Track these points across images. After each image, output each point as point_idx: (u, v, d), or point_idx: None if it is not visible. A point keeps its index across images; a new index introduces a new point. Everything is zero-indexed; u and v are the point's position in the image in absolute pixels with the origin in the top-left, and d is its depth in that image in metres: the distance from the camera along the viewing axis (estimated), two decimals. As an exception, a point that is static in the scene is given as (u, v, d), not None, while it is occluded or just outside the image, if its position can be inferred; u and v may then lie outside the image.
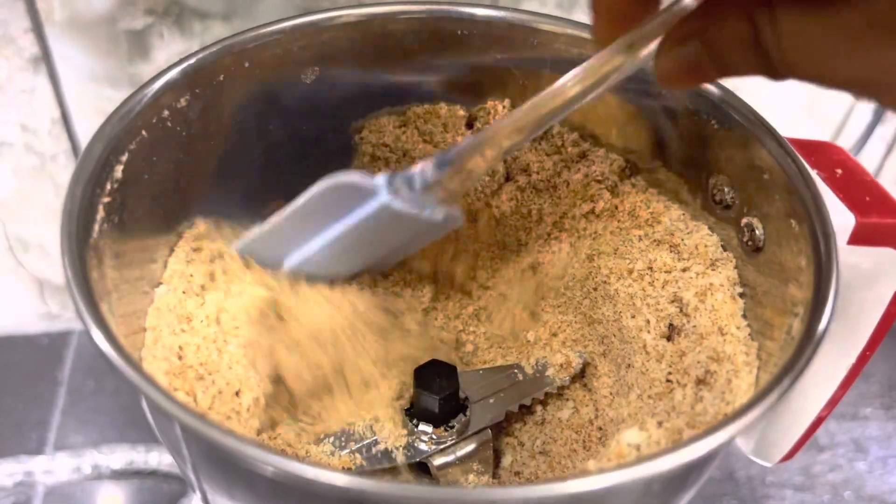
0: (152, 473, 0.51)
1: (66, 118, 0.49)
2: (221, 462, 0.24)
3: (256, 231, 0.34)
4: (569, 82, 0.28)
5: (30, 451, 0.51)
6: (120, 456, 0.51)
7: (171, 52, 0.47)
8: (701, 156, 0.34)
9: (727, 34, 0.23)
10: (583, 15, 0.50)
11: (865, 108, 0.58)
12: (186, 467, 0.27)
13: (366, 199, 0.32)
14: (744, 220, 0.32)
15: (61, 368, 0.56)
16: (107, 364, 0.22)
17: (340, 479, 0.20)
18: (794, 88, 0.58)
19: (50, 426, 0.53)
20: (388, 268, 0.40)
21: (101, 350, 0.23)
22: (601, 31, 0.27)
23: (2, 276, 0.56)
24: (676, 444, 0.21)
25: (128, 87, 0.48)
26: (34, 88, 0.47)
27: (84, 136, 0.50)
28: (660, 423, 0.27)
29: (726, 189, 0.33)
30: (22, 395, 0.54)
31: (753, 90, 0.56)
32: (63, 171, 0.51)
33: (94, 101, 0.48)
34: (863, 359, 0.29)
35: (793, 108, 0.57)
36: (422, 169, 0.31)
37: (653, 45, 0.26)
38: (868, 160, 0.61)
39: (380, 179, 0.31)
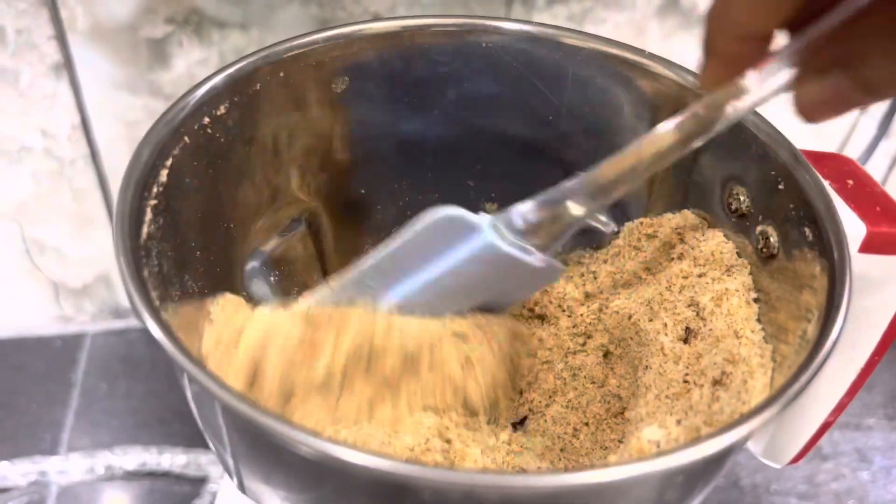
0: (164, 475, 0.51)
1: (85, 124, 0.50)
2: (261, 445, 0.25)
3: (355, 272, 0.34)
4: (671, 129, 0.27)
5: (44, 451, 0.52)
6: (133, 457, 0.51)
7: (189, 60, 0.48)
8: (717, 166, 0.35)
9: (875, 55, 0.22)
10: (591, 25, 0.51)
11: (870, 122, 0.59)
12: (226, 452, 0.28)
13: (469, 236, 0.31)
14: (759, 228, 0.33)
15: (75, 370, 0.57)
16: (160, 349, 0.23)
17: (379, 462, 0.21)
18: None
19: (64, 427, 0.53)
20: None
21: (150, 333, 0.23)
22: (712, 75, 0.26)
23: (17, 279, 0.56)
24: (695, 440, 0.22)
25: (147, 94, 0.49)
26: (55, 94, 0.48)
27: (103, 141, 0.51)
28: (678, 422, 0.28)
29: (742, 198, 0.34)
30: (36, 396, 0.55)
31: (760, 105, 0.57)
32: (81, 175, 0.52)
33: (114, 108, 0.49)
34: (870, 365, 0.30)
35: (798, 122, 0.58)
36: (523, 209, 0.31)
37: (766, 88, 0.25)
38: (873, 173, 0.62)
39: (484, 217, 0.31)
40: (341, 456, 0.21)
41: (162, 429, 0.54)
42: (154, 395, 0.56)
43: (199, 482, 0.51)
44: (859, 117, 0.59)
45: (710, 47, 0.25)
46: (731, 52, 0.25)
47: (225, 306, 0.32)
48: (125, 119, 0.50)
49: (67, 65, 0.47)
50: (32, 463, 0.51)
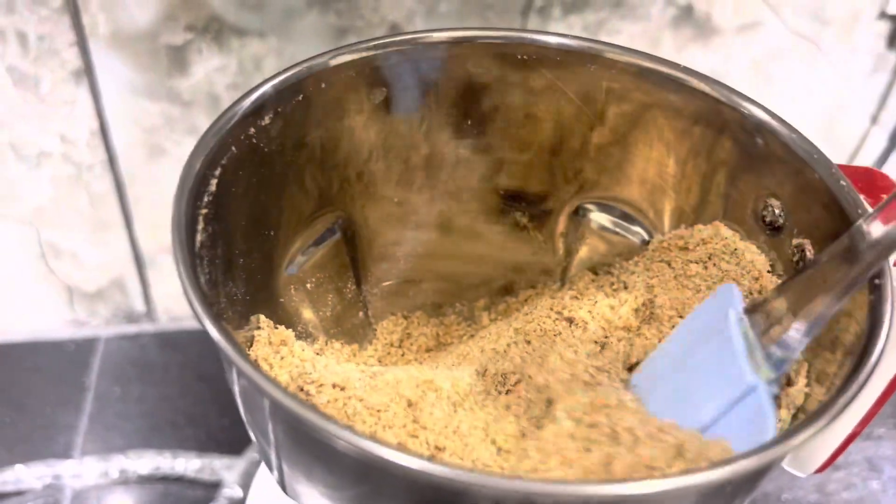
0: (178, 479, 0.52)
1: (104, 129, 0.50)
2: (305, 441, 0.26)
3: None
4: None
5: (58, 454, 0.52)
6: (147, 461, 0.51)
7: (208, 68, 0.49)
8: (752, 179, 0.35)
9: None
10: (607, 36, 0.51)
11: (881, 135, 0.59)
12: (269, 449, 0.28)
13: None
14: (794, 241, 0.33)
15: (88, 374, 0.57)
16: (217, 349, 0.24)
17: (419, 463, 0.21)
18: (809, 113, 0.60)
19: (78, 431, 0.54)
20: None
21: (211, 337, 0.24)
22: None
23: (33, 283, 0.57)
24: (728, 460, 0.22)
25: (165, 100, 0.49)
26: (75, 100, 0.49)
27: (121, 147, 0.51)
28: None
29: (777, 211, 0.34)
30: (50, 399, 0.55)
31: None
32: (98, 180, 0.52)
33: (132, 114, 0.50)
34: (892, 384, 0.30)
35: (810, 131, 0.59)
36: (794, 337, 0.28)
37: None
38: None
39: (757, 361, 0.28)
40: (385, 456, 0.21)
41: (175, 433, 0.54)
42: (167, 399, 0.56)
43: (213, 487, 0.51)
44: (870, 128, 0.59)
45: None
46: None
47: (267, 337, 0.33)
48: (143, 125, 0.50)
49: (88, 71, 0.48)
50: (47, 466, 0.51)
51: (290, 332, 0.34)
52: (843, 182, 0.31)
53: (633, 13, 0.51)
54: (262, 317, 0.34)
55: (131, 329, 0.60)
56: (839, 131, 0.59)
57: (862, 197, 0.30)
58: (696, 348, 0.31)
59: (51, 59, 0.47)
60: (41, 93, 0.48)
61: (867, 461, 0.55)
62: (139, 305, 0.60)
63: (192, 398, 0.56)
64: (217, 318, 0.24)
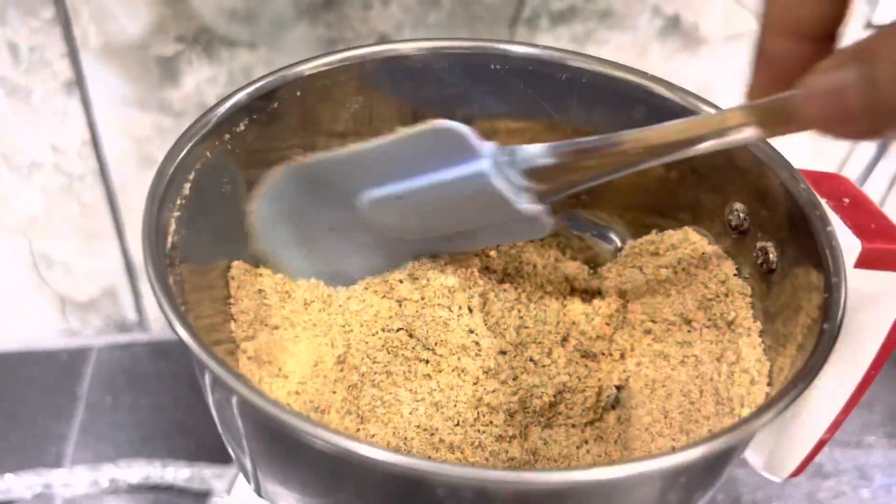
0: (168, 488, 0.52)
1: (95, 140, 0.51)
2: (277, 441, 0.26)
3: (341, 152, 0.33)
4: (699, 123, 0.27)
5: (48, 464, 0.52)
6: (137, 470, 0.52)
7: (199, 78, 0.49)
8: (718, 184, 0.36)
9: None
10: (595, 46, 0.52)
11: (868, 144, 0.60)
12: (244, 455, 0.29)
13: (465, 158, 0.30)
14: (758, 244, 0.34)
15: (80, 384, 0.57)
16: (181, 347, 0.24)
17: (395, 458, 0.21)
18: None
19: (68, 440, 0.54)
20: (450, 250, 0.38)
21: (178, 335, 0.24)
22: (760, 81, 0.25)
23: (25, 293, 0.57)
24: (695, 443, 0.22)
25: (156, 110, 0.50)
26: (66, 111, 0.49)
27: (112, 157, 0.51)
28: (687, 433, 0.28)
29: (741, 215, 0.34)
30: (41, 408, 0.56)
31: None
32: (89, 190, 0.53)
33: (123, 124, 0.50)
34: (866, 380, 0.31)
35: (797, 142, 0.59)
36: (534, 151, 0.29)
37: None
38: (871, 193, 0.63)
39: (487, 144, 0.29)
40: (355, 449, 0.21)
41: (166, 442, 0.54)
42: (159, 408, 0.56)
43: (203, 496, 0.51)
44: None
45: (759, 48, 0.24)
46: (782, 52, 0.23)
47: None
48: (134, 135, 0.51)
49: (79, 82, 0.48)
50: (37, 475, 0.51)
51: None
52: (802, 185, 0.32)
53: (621, 24, 0.51)
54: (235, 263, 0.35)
55: (123, 339, 0.60)
56: (827, 141, 0.60)
57: (824, 200, 0.31)
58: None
59: (42, 70, 0.47)
60: (33, 103, 0.48)
61: (857, 469, 0.55)
62: (131, 315, 0.60)
63: (184, 408, 0.56)
64: (182, 317, 0.25)
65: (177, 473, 0.52)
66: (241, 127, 0.33)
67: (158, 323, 0.61)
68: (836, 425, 0.32)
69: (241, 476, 0.50)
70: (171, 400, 0.57)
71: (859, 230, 0.30)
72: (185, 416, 0.56)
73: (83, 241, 0.55)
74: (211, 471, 0.52)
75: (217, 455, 0.53)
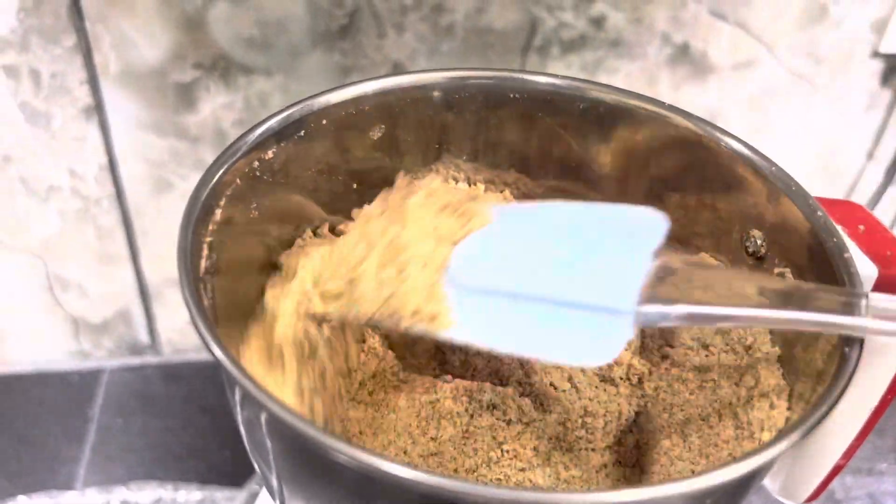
0: (179, 511, 0.52)
1: (112, 164, 0.51)
2: (305, 460, 0.26)
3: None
4: (832, 321, 0.27)
5: (60, 486, 0.53)
6: (148, 493, 0.52)
7: (215, 104, 0.50)
8: (734, 211, 0.36)
9: None
10: (605, 74, 0.53)
11: (878, 169, 0.60)
12: (271, 474, 0.29)
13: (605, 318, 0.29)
14: (776, 270, 0.34)
15: (92, 406, 0.58)
16: (214, 359, 0.25)
17: (422, 477, 0.21)
18: (807, 148, 0.61)
19: (80, 462, 0.54)
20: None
21: (213, 353, 0.25)
22: None
23: (39, 314, 0.57)
24: (717, 466, 0.23)
25: (173, 136, 0.51)
26: (85, 136, 0.50)
27: (128, 181, 0.52)
28: (707, 457, 0.29)
29: (759, 241, 0.35)
30: (53, 430, 0.56)
31: (769, 151, 0.58)
32: (106, 214, 0.53)
33: (140, 149, 0.51)
34: (882, 405, 0.31)
35: (807, 167, 0.60)
36: (667, 311, 0.28)
37: None
38: (880, 219, 0.63)
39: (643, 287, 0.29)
40: (384, 468, 0.22)
41: (177, 465, 0.54)
42: (170, 431, 0.56)
43: (214, 519, 0.51)
44: (867, 164, 0.60)
45: None
46: None
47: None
48: (150, 160, 0.51)
49: (98, 108, 0.49)
50: (49, 497, 0.51)
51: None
52: (819, 213, 0.32)
53: (630, 52, 0.52)
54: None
55: (135, 361, 0.61)
56: (836, 167, 0.60)
57: (840, 227, 0.31)
58: (597, 230, 0.32)
59: (62, 96, 0.48)
60: (52, 129, 0.49)
61: (869, 496, 0.55)
62: (143, 337, 0.60)
63: (195, 430, 0.56)
64: (219, 340, 0.25)
65: (188, 496, 0.52)
66: (270, 154, 0.33)
67: (170, 346, 0.61)
68: (852, 450, 0.32)
69: (256, 500, 0.50)
70: (182, 423, 0.57)
71: (875, 257, 0.30)
72: (197, 439, 0.56)
73: (98, 264, 0.56)
74: (222, 493, 0.52)
75: (228, 478, 0.53)
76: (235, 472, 0.53)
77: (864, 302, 0.27)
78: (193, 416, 0.57)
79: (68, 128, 0.49)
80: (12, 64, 0.47)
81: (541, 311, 0.30)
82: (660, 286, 0.29)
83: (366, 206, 0.37)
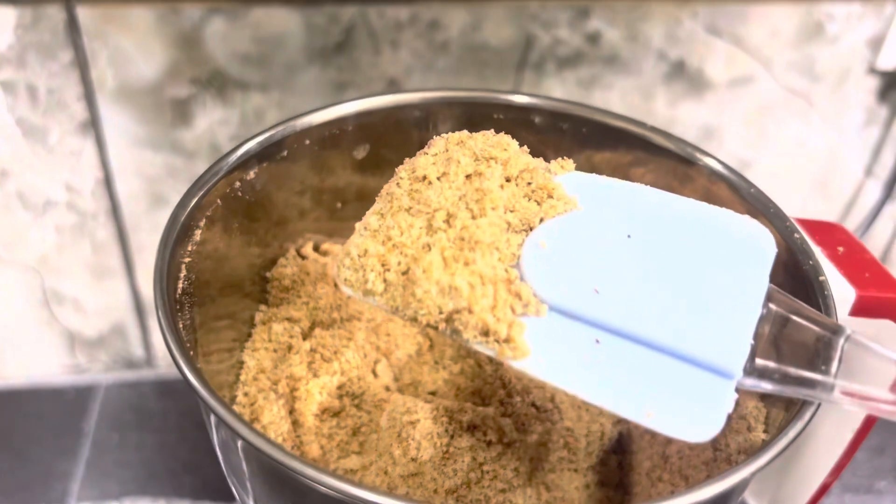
0: (172, 527, 0.51)
1: (108, 179, 0.52)
2: (281, 484, 0.26)
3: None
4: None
5: (54, 501, 0.52)
6: (141, 509, 0.51)
7: (211, 120, 0.50)
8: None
9: None
10: (600, 91, 0.53)
11: (875, 186, 0.60)
12: (248, 497, 0.29)
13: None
14: None
15: (87, 421, 0.57)
16: (186, 383, 0.24)
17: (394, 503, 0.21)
18: (804, 164, 0.61)
19: (74, 477, 0.54)
20: None
21: (186, 377, 0.25)
22: None
23: (34, 328, 0.57)
24: (695, 486, 0.23)
25: (168, 151, 0.51)
26: (81, 151, 0.50)
27: (124, 196, 0.52)
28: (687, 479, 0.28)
29: None
30: (47, 446, 0.56)
31: (767, 168, 0.58)
32: (102, 229, 0.53)
33: (136, 164, 0.51)
34: (866, 426, 0.31)
35: (804, 185, 0.60)
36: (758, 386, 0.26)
37: None
38: (877, 237, 0.63)
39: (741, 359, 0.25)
40: (359, 494, 0.22)
41: (172, 480, 0.54)
42: (164, 446, 0.56)
43: (207, 535, 0.51)
44: (865, 180, 0.60)
45: None
46: None
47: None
48: (146, 175, 0.52)
49: (94, 123, 0.49)
50: (42, 513, 0.51)
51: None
52: (796, 235, 0.32)
53: (626, 69, 0.52)
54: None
55: (131, 376, 0.61)
56: (834, 184, 0.60)
57: (819, 249, 0.31)
58: (699, 239, 0.28)
59: (59, 111, 0.48)
60: (49, 144, 0.49)
61: (868, 516, 0.55)
62: (139, 352, 0.60)
63: (189, 446, 0.56)
64: (191, 362, 0.25)
65: (181, 512, 0.51)
66: (251, 175, 0.33)
67: (166, 360, 0.61)
68: (838, 469, 0.32)
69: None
70: (176, 438, 0.57)
71: (854, 279, 0.30)
72: (191, 455, 0.55)
73: (94, 279, 0.56)
74: (215, 510, 0.51)
75: (221, 494, 0.53)
76: (228, 489, 0.53)
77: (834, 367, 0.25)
78: (188, 431, 0.57)
79: (65, 143, 0.50)
80: (9, 79, 0.47)
81: (635, 354, 0.26)
82: (766, 346, 0.26)
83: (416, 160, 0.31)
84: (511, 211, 0.29)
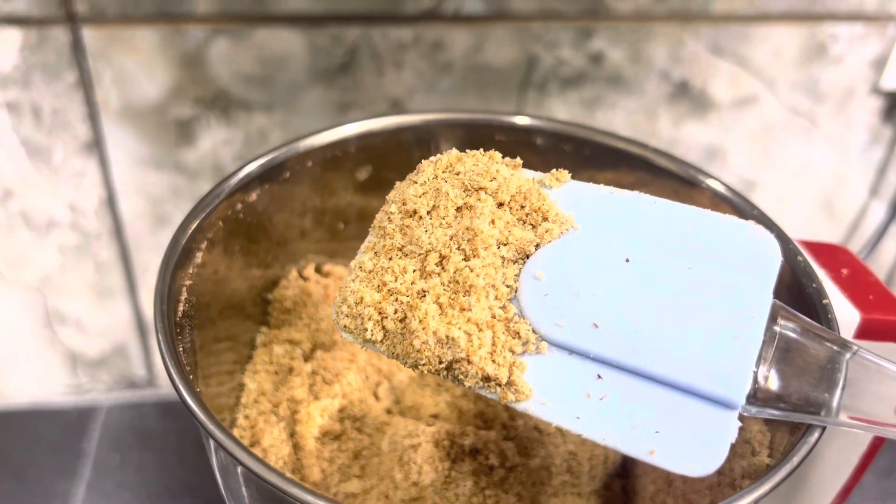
0: (172, 550, 0.51)
1: (111, 199, 0.52)
2: None
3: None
4: None
5: (53, 523, 0.52)
6: (141, 531, 0.51)
7: (215, 140, 0.50)
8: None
9: None
10: (603, 111, 0.53)
11: (880, 207, 0.60)
12: None
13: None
14: None
15: (88, 441, 0.57)
16: (186, 419, 0.24)
17: None
18: (809, 184, 0.61)
19: (75, 498, 0.53)
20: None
21: (185, 401, 0.25)
22: None
23: (37, 348, 0.57)
24: None
25: (172, 170, 0.51)
26: (85, 171, 0.50)
27: (128, 216, 0.52)
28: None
29: None
30: (48, 466, 0.55)
31: (771, 188, 0.58)
32: (105, 249, 0.53)
33: (139, 184, 0.51)
34: (872, 450, 0.30)
35: (809, 206, 0.59)
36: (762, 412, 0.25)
37: None
38: (882, 258, 0.62)
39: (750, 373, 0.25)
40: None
41: (172, 502, 0.53)
42: (166, 467, 0.56)
43: (207, 558, 0.50)
44: (870, 201, 0.60)
45: None
46: None
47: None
48: (150, 195, 0.52)
49: (98, 143, 0.49)
50: (41, 535, 0.51)
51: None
52: (799, 257, 0.32)
53: (629, 89, 0.52)
54: None
55: (132, 396, 0.60)
56: (839, 204, 0.60)
57: (823, 271, 0.31)
58: (700, 252, 0.27)
59: (63, 131, 0.49)
60: (53, 164, 0.50)
61: (877, 540, 0.54)
62: (141, 372, 0.60)
63: (190, 467, 0.56)
64: (190, 386, 0.25)
65: (181, 534, 0.51)
66: (253, 196, 0.33)
67: (168, 380, 0.61)
68: (845, 492, 0.31)
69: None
70: (177, 459, 0.56)
71: (858, 301, 0.30)
72: (192, 476, 0.55)
73: (96, 299, 0.56)
74: (216, 532, 0.51)
75: (222, 516, 0.52)
76: (230, 510, 0.52)
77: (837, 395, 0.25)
78: (190, 452, 0.57)
79: (69, 163, 0.50)
80: (14, 100, 0.47)
81: (637, 388, 0.25)
82: (770, 371, 0.25)
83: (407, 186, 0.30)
84: (504, 244, 0.28)
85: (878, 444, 0.30)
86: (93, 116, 0.48)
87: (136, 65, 0.47)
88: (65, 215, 0.52)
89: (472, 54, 0.49)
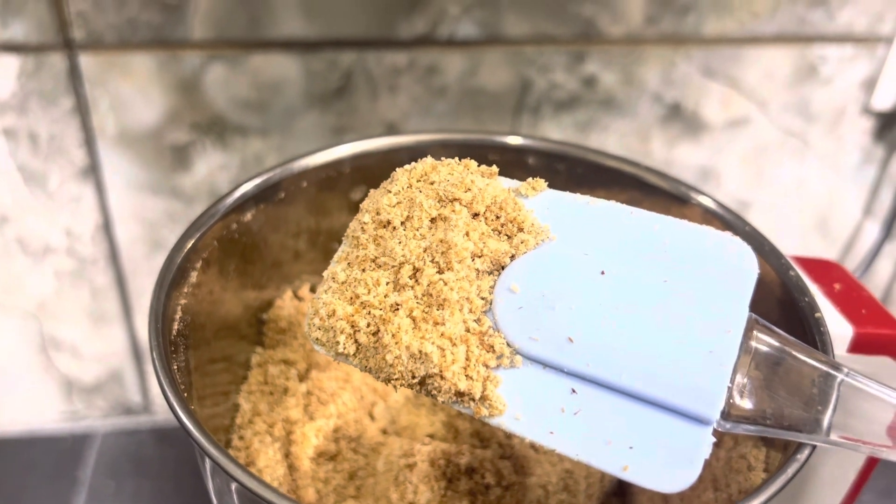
0: (167, 578, 0.50)
1: (107, 224, 0.52)
2: None
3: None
4: None
5: (47, 552, 0.51)
6: (136, 559, 0.50)
7: (211, 165, 0.50)
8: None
9: None
10: (597, 133, 0.53)
11: (873, 226, 0.60)
12: None
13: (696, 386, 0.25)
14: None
15: (83, 469, 0.57)
16: (180, 425, 0.24)
17: None
18: (803, 204, 0.61)
19: (68, 527, 0.53)
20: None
21: (180, 419, 0.24)
22: None
23: (32, 375, 0.57)
24: None
25: (168, 196, 0.51)
26: (81, 197, 0.50)
27: (124, 241, 0.52)
28: None
29: None
30: (43, 494, 0.55)
31: (765, 209, 0.58)
32: (101, 275, 0.53)
33: (135, 209, 0.51)
34: (869, 466, 0.30)
35: (803, 226, 0.60)
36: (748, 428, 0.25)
37: None
38: (877, 277, 0.62)
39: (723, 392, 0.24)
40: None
41: (167, 530, 0.53)
42: (161, 495, 0.55)
43: (202, 586, 0.50)
44: (863, 220, 0.60)
45: None
46: None
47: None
48: (146, 220, 0.52)
49: (94, 168, 0.49)
50: (35, 564, 0.50)
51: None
52: (791, 272, 0.32)
53: (622, 111, 0.52)
54: None
55: (128, 423, 0.60)
56: (833, 224, 0.60)
57: (816, 286, 0.31)
58: (675, 298, 0.26)
59: (60, 157, 0.49)
60: (49, 189, 0.50)
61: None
62: (136, 398, 0.60)
63: (187, 493, 0.55)
64: (184, 404, 0.25)
65: (176, 562, 0.50)
66: (248, 217, 0.34)
67: (163, 407, 0.60)
68: (848, 501, 0.31)
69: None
70: (173, 486, 0.56)
71: (851, 316, 0.30)
72: (188, 502, 0.55)
73: (92, 324, 0.56)
74: (211, 560, 0.50)
75: (218, 543, 0.52)
76: (226, 537, 0.52)
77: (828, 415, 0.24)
78: (185, 479, 0.56)
79: (65, 188, 0.50)
80: (11, 126, 0.47)
81: (611, 403, 0.25)
82: (753, 387, 0.25)
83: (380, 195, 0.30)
84: (479, 256, 0.28)
85: (873, 462, 0.30)
86: (89, 142, 0.49)
87: (132, 91, 0.47)
88: (61, 241, 0.52)
89: (466, 78, 0.50)
